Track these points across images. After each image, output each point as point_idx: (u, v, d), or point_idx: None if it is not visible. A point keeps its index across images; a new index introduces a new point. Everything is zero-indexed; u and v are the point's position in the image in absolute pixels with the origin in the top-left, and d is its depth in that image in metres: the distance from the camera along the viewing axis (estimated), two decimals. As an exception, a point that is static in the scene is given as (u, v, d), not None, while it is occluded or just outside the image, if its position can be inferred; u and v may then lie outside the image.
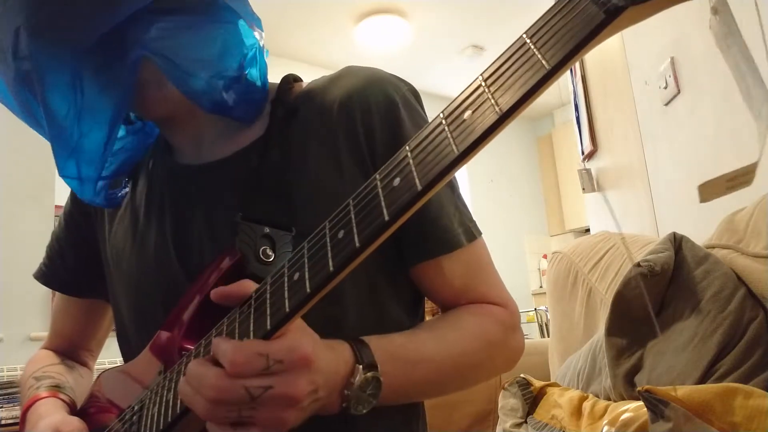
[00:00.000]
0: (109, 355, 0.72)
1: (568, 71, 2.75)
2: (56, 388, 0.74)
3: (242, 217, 0.61)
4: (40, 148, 0.84)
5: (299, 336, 0.46)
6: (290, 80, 0.72)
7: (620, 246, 1.39)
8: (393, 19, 4.18)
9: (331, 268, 0.40)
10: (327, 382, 0.48)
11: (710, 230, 1.09)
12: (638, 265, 0.95)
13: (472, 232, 0.66)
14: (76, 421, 0.64)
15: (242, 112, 0.68)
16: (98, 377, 0.72)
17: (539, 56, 0.31)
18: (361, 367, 0.50)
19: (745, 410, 0.66)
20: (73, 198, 0.81)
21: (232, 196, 0.65)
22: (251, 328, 0.46)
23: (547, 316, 4.12)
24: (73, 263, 0.82)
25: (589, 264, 1.47)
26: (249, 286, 0.50)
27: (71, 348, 0.86)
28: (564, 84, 2.87)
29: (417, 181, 0.35)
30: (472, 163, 5.77)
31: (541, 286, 5.45)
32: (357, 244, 0.38)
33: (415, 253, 0.64)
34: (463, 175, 5.71)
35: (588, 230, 2.78)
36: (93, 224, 0.79)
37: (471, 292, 0.65)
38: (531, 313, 4.93)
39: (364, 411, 0.51)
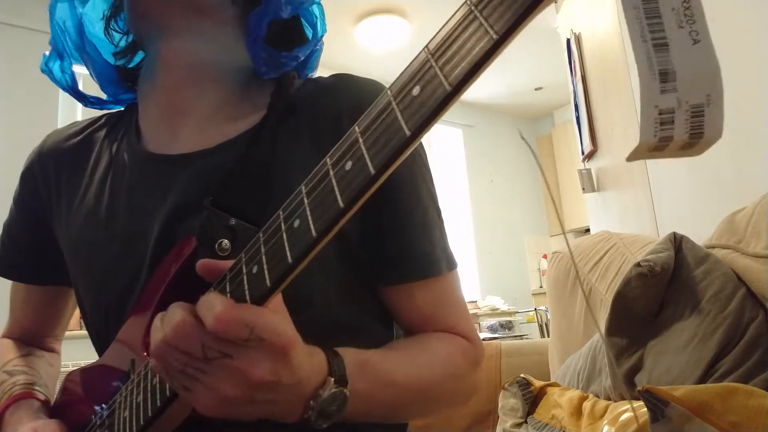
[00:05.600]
0: (83, 357, 0.70)
1: (568, 70, 2.75)
2: (30, 386, 0.72)
3: (211, 202, 0.58)
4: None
5: (288, 322, 0.44)
6: (292, 76, 0.70)
7: (620, 246, 1.39)
8: (393, 19, 4.18)
9: (290, 260, 0.38)
10: (293, 387, 0.45)
11: (710, 230, 1.09)
12: (638, 265, 0.95)
13: (453, 261, 0.65)
14: (53, 424, 0.63)
15: (271, 59, 0.68)
16: (69, 374, 0.71)
17: (486, 26, 0.29)
18: (332, 380, 0.48)
19: (745, 410, 0.66)
20: (23, 181, 0.78)
21: (207, 187, 0.61)
22: None
23: (547, 316, 4.12)
24: (28, 249, 0.78)
25: (589, 264, 1.47)
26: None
27: (35, 336, 0.82)
28: (564, 84, 2.86)
29: (369, 164, 0.34)
30: (472, 163, 5.78)
31: (541, 286, 5.45)
32: (314, 234, 0.37)
33: (388, 275, 0.62)
34: (463, 175, 5.72)
35: (588, 230, 2.77)
36: (46, 208, 0.75)
37: (440, 322, 0.63)
38: (531, 313, 4.93)
39: (324, 426, 0.48)
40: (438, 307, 0.63)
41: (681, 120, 0.28)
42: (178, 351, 0.42)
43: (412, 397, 0.58)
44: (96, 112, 0.80)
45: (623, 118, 2.03)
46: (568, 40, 2.68)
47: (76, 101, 0.77)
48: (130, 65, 0.78)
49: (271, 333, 0.41)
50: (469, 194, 5.67)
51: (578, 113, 2.64)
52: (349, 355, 0.51)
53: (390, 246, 0.61)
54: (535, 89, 5.65)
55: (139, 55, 0.78)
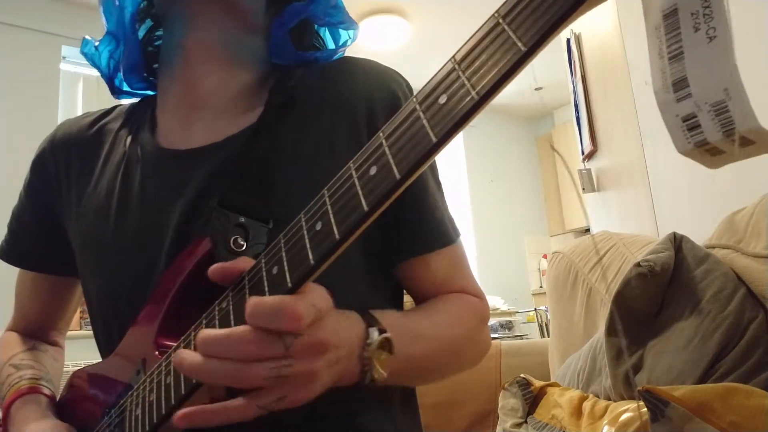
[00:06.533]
0: (83, 356, 0.70)
1: (568, 70, 2.75)
2: (37, 381, 0.71)
3: (219, 202, 0.58)
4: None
5: (320, 289, 0.45)
6: (293, 68, 0.71)
7: (620, 246, 1.39)
8: (393, 19, 4.19)
9: (312, 261, 0.39)
10: (345, 344, 0.47)
11: (710, 230, 1.09)
12: (638, 265, 0.96)
13: (457, 229, 0.69)
14: (63, 428, 0.63)
15: (288, 44, 0.70)
16: (76, 371, 0.70)
17: (514, 38, 0.30)
18: (375, 329, 0.49)
19: (745, 410, 0.66)
20: (34, 168, 0.78)
21: (216, 183, 0.62)
22: (233, 326, 0.44)
23: (547, 316, 4.12)
24: (37, 237, 0.78)
25: (589, 264, 1.47)
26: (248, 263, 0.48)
27: (40, 329, 0.83)
28: (564, 84, 2.86)
29: (395, 169, 0.35)
30: (472, 163, 5.78)
31: (541, 286, 5.45)
32: (337, 236, 0.37)
33: (408, 248, 0.64)
34: (463, 175, 5.72)
35: (588, 230, 2.78)
36: (55, 197, 0.75)
37: (450, 285, 0.66)
38: (531, 313, 4.92)
39: (382, 380, 0.49)
40: (450, 273, 0.67)
41: (707, 121, 0.29)
42: (263, 362, 0.42)
43: (438, 352, 0.60)
44: (99, 107, 0.80)
45: (623, 118, 2.03)
46: (568, 40, 2.68)
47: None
48: (142, 34, 0.78)
49: (324, 303, 0.44)
50: (469, 194, 5.67)
51: (578, 113, 2.64)
52: (374, 312, 0.53)
53: (407, 223, 0.64)
54: (535, 89, 5.65)
55: (148, 23, 0.78)
